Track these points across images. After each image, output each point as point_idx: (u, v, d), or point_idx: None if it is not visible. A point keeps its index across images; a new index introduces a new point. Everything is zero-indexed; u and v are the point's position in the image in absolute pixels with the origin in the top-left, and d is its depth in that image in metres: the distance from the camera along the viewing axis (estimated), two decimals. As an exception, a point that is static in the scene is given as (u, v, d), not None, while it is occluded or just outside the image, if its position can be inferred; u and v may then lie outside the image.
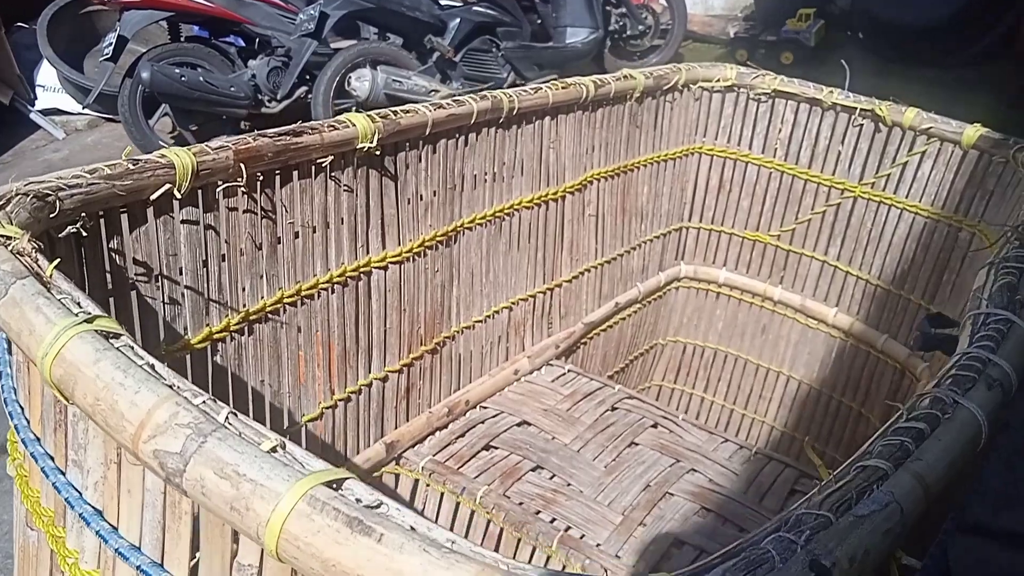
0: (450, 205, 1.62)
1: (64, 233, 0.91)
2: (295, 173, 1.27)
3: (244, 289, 1.23)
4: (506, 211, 1.77)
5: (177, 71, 4.31)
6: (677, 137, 2.32)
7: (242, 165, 1.14)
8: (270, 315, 1.28)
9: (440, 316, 1.66)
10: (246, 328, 1.25)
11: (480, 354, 1.81)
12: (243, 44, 5.05)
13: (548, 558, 1.45)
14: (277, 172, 1.24)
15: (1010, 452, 1.25)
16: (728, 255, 2.49)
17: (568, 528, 1.48)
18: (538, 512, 1.51)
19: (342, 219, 1.38)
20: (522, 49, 5.14)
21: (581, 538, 1.46)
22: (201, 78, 4.39)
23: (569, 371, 1.97)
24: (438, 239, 1.60)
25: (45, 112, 5.21)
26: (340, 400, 1.46)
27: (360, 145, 1.34)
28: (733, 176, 2.40)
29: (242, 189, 1.16)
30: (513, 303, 1.87)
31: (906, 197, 2.12)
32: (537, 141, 1.81)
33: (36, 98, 5.21)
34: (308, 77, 4.73)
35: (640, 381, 2.63)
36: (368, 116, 1.36)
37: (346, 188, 1.37)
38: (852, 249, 2.26)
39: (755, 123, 2.33)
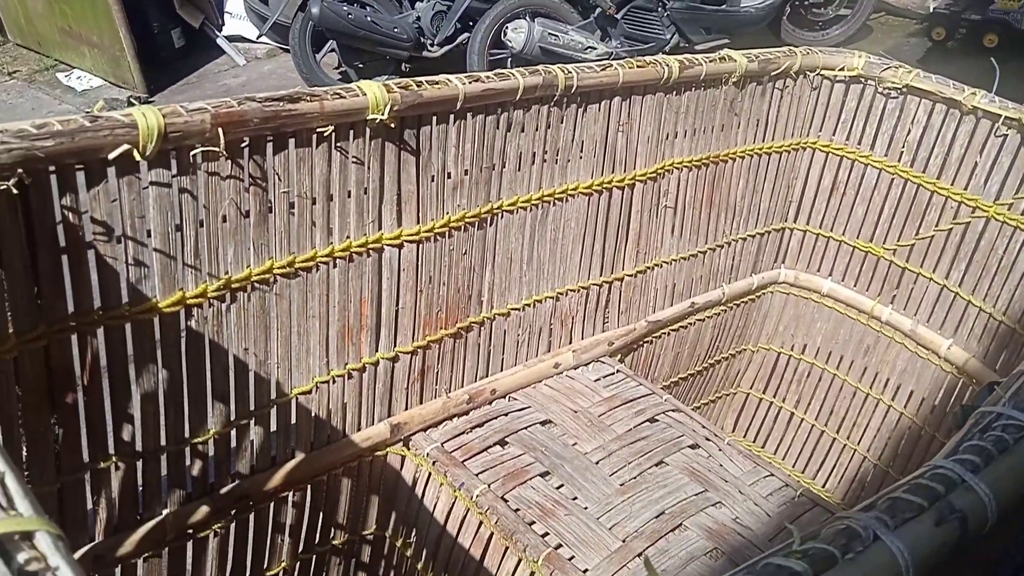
0: (486, 185, 1.51)
1: None
2: (291, 141, 1.21)
3: (227, 256, 1.20)
4: (557, 195, 1.65)
5: (345, 8, 4.41)
6: (786, 129, 2.09)
7: (220, 130, 1.09)
8: (257, 284, 1.24)
9: (467, 300, 1.58)
10: (228, 295, 1.21)
11: (515, 343, 1.71)
12: (413, -14, 5.08)
13: (532, 573, 1.36)
14: (269, 138, 1.19)
15: None
16: (835, 264, 2.24)
17: (559, 546, 1.37)
18: (532, 523, 1.41)
19: (349, 192, 1.31)
20: (690, 10, 4.88)
21: (570, 559, 1.35)
22: (368, 17, 4.47)
23: (618, 372, 1.84)
24: (468, 220, 1.50)
25: (230, 38, 5.52)
26: (338, 376, 1.41)
27: (371, 116, 1.26)
28: (849, 178, 2.14)
29: (223, 155, 1.12)
30: (561, 293, 1.75)
31: None
32: (602, 123, 1.67)
33: (223, 24, 5.53)
34: (471, 24, 4.71)
35: (724, 387, 2.45)
36: (384, 86, 1.28)
37: (355, 160, 1.30)
38: (978, 276, 1.96)
39: (880, 121, 2.06)
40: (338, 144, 1.27)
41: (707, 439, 1.67)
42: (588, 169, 1.69)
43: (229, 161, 1.14)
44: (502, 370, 1.71)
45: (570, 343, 1.83)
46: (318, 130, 1.22)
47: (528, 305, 1.70)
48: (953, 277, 2.01)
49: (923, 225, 2.05)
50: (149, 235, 1.10)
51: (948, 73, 1.98)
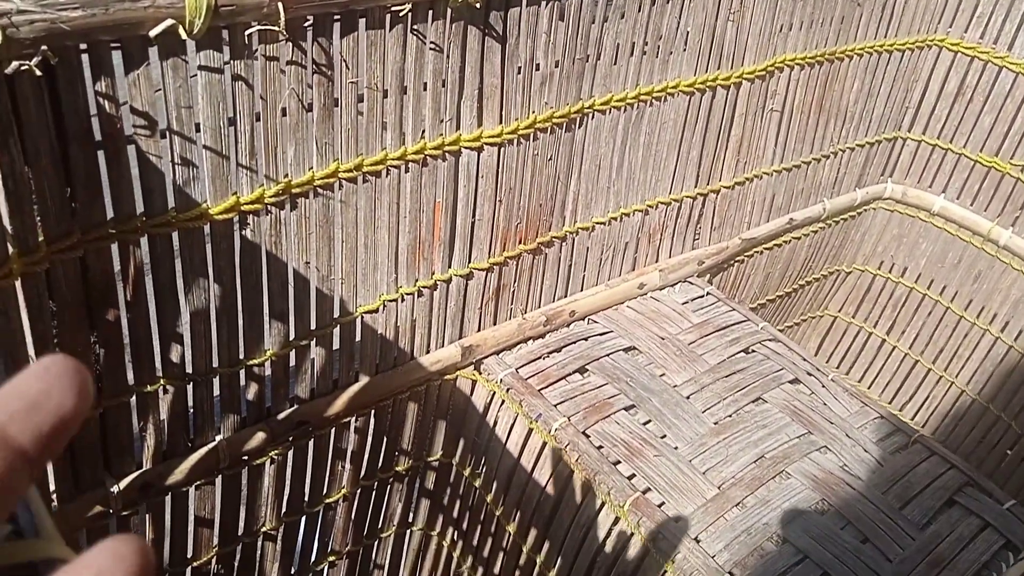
0: (578, 80, 1.32)
1: (11, 70, 0.74)
2: (362, 22, 1.03)
3: (287, 157, 1.03)
4: (656, 94, 1.44)
5: None
6: (912, 23, 1.83)
7: (280, 5, 0.91)
8: (320, 190, 1.08)
9: (549, 212, 1.40)
10: (288, 202, 1.06)
11: (598, 260, 1.54)
12: None
13: (617, 519, 1.23)
14: (336, 17, 1.00)
15: None
16: (951, 180, 2.01)
17: (647, 490, 1.24)
18: (618, 463, 1.27)
19: (425, 85, 1.13)
20: None
21: (660, 506, 1.22)
22: None
23: (708, 294, 1.66)
24: (555, 121, 1.31)
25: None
26: (407, 293, 1.26)
27: None
28: (979, 82, 1.89)
29: (283, 36, 0.94)
30: (651, 205, 1.57)
31: None
32: (711, 10, 1.44)
33: None
34: None
35: (811, 309, 2.27)
36: (471, -45, 1.08)
37: (433, 47, 1.11)
38: None
39: (1024, 15, 1.79)
40: (414, 27, 1.08)
41: (808, 374, 1.50)
42: (691, 65, 1.47)
43: (290, 44, 0.96)
44: (582, 290, 1.54)
45: (656, 261, 1.65)
46: (392, 8, 1.03)
47: (614, 219, 1.52)
48: None
49: None
50: (198, 129, 0.94)
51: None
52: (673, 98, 1.48)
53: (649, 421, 1.35)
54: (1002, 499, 1.32)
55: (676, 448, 1.31)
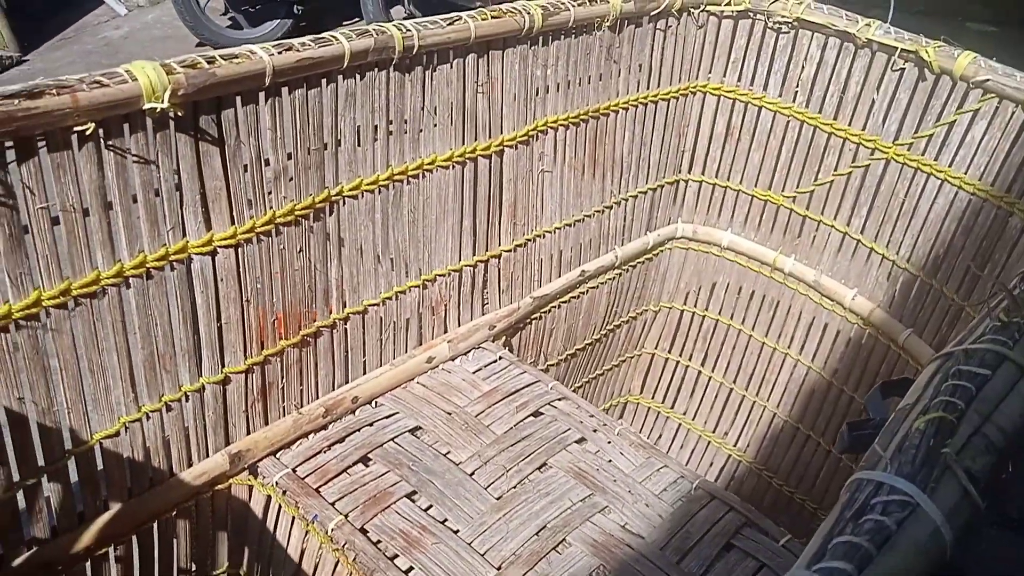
0: (318, 170, 1.30)
1: None
2: (42, 146, 0.98)
3: None
4: (411, 172, 1.44)
5: None
6: (672, 73, 1.91)
7: None
8: (22, 322, 1.02)
9: (310, 303, 1.37)
10: None
11: (378, 341, 1.52)
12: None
13: (396, 616, 1.20)
14: (8, 146, 0.95)
15: None
16: (735, 215, 2.09)
17: (425, 581, 1.21)
18: (395, 556, 1.24)
19: (134, 197, 1.09)
20: None
21: (438, 596, 1.20)
22: None
23: (500, 359, 1.67)
24: (299, 213, 1.29)
25: (109, -13, 5.14)
26: (153, 411, 1.20)
27: (148, 106, 1.03)
28: (743, 122, 1.98)
29: None
30: (428, 280, 1.56)
31: (949, 166, 1.68)
32: (456, 85, 1.46)
33: None
34: None
35: (628, 349, 2.31)
36: (163, 67, 1.04)
37: (137, 159, 1.07)
38: (879, 222, 1.84)
39: (772, 59, 1.89)
40: (109, 143, 1.03)
41: (595, 431, 1.52)
42: (445, 139, 1.48)
43: None
44: (365, 373, 1.52)
45: (445, 332, 1.65)
46: (76, 129, 0.99)
47: (389, 298, 1.50)
48: (855, 224, 1.89)
49: (822, 170, 1.91)
50: None
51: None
52: (432, 173, 1.48)
53: (431, 506, 1.33)
54: (778, 536, 1.36)
55: (457, 531, 1.29)
